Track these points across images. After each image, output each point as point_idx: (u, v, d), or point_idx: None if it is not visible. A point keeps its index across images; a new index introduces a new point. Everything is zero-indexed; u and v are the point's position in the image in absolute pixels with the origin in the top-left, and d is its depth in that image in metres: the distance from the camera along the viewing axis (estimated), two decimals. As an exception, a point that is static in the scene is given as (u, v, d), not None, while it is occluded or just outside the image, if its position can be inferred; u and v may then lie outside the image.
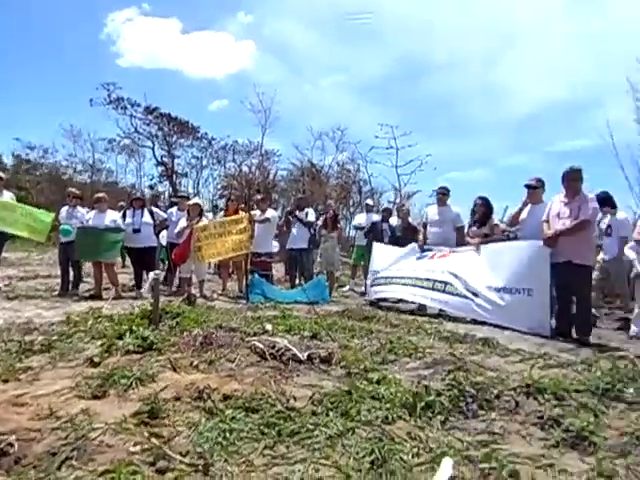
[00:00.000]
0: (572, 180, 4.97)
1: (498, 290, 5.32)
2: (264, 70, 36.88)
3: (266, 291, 6.98)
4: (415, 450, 2.03)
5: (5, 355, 3.29)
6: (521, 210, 5.67)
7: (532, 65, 24.98)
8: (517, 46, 25.75)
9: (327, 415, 2.33)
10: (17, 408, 2.38)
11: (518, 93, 27.73)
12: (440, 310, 6.07)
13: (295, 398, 2.52)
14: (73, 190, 7.82)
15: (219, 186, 27.94)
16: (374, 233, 8.39)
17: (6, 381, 2.77)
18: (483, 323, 5.30)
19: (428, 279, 6.10)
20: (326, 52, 34.41)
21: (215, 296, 7.41)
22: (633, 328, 5.52)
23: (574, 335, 4.87)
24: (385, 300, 7.24)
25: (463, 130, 30.09)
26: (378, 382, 2.83)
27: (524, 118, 26.72)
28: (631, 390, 2.77)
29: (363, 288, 8.67)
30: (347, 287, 9.67)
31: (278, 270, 10.24)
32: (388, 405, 2.46)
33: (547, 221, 5.08)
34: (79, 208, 7.44)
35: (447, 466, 1.85)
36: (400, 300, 6.93)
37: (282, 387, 2.69)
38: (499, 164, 28.64)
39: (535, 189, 5.51)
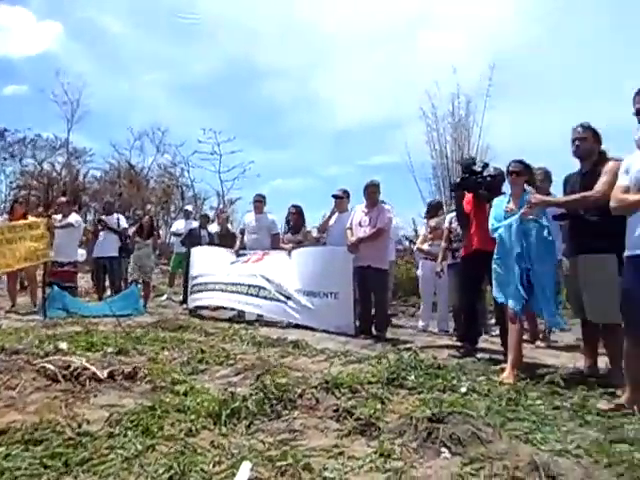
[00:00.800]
0: (371, 192, 5.55)
1: (307, 294, 5.64)
2: (73, 58, 33.22)
3: (68, 305, 6.27)
4: (217, 459, 2.02)
5: None
6: (329, 218, 6.13)
7: (349, 82, 27.23)
8: (337, 62, 27.86)
9: (125, 435, 2.18)
10: None
11: (336, 107, 30.10)
12: (258, 315, 6.20)
13: (89, 421, 2.30)
14: None
15: (14, 185, 24.17)
16: (191, 240, 8.19)
17: None
18: (297, 326, 5.58)
19: (242, 284, 6.17)
20: (148, 47, 32.51)
21: (2, 314, 6.39)
22: (420, 322, 6.39)
23: (374, 332, 5.43)
24: (206, 308, 7.13)
25: (286, 139, 31.33)
26: (185, 394, 2.77)
27: (342, 131, 29.12)
28: (412, 377, 3.20)
29: (182, 296, 8.40)
30: (165, 296, 9.26)
31: (87, 281, 9.33)
32: (193, 416, 2.41)
33: (350, 228, 5.59)
34: None
35: (245, 469, 1.89)
36: (219, 307, 6.90)
37: (74, 411, 2.44)
38: (319, 173, 30.58)
39: (341, 199, 6.01)
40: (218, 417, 2.43)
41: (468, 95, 13.62)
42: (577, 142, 3.42)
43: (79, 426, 2.23)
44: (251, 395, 2.72)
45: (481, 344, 4.81)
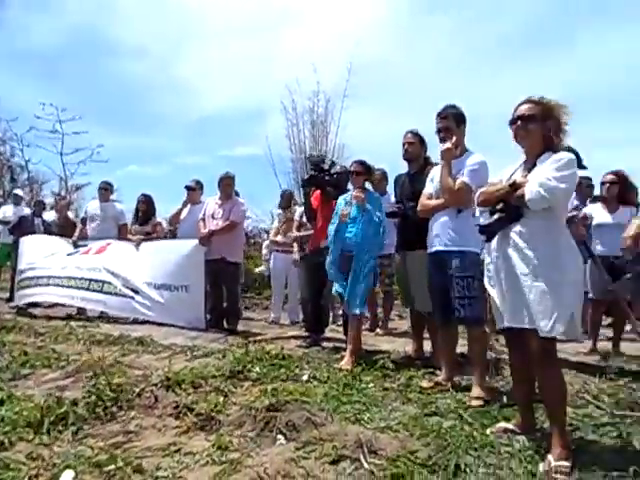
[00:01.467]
0: (226, 184, 5.49)
1: (158, 287, 5.41)
2: None
3: None
4: (34, 472, 1.86)
5: None
6: (181, 210, 5.93)
7: (209, 71, 26.32)
8: (202, 46, 26.59)
9: None
10: None
11: (196, 95, 28.85)
12: (102, 312, 5.76)
13: None
14: None
15: None
16: (23, 229, 7.26)
17: None
18: (145, 322, 5.31)
19: (83, 278, 5.67)
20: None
21: None
22: (272, 314, 6.51)
23: (225, 325, 5.40)
24: (39, 305, 6.39)
25: (142, 123, 29.20)
26: (1, 403, 2.47)
27: (204, 120, 27.96)
28: (257, 369, 3.26)
29: (8, 293, 7.41)
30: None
31: None
32: (8, 428, 2.17)
33: (203, 220, 5.47)
34: None
35: (66, 479, 1.76)
36: (56, 304, 6.24)
37: None
38: (178, 162, 28.97)
39: (193, 190, 5.85)
40: (40, 426, 2.22)
41: (327, 94, 14.17)
42: (406, 146, 3.81)
43: None
44: (83, 398, 2.54)
45: (328, 334, 5.07)
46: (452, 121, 3.17)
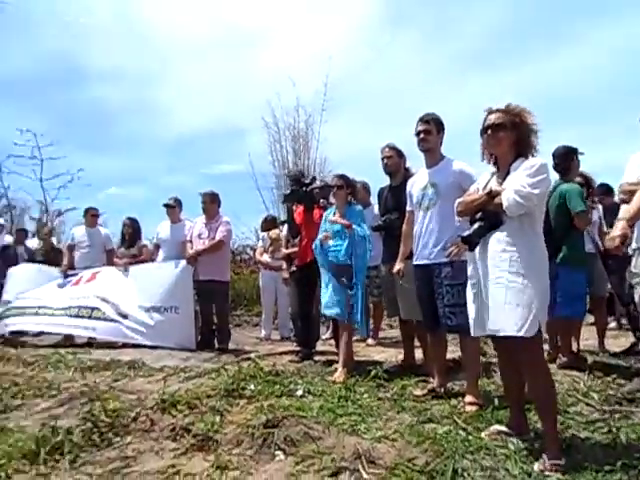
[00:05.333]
0: (208, 202, 5.50)
1: (147, 310, 5.38)
2: None
3: None
4: (33, 502, 1.85)
5: None
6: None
7: (186, 91, 26.42)
8: (173, 69, 26.79)
9: None
10: None
11: (173, 115, 28.85)
12: (90, 338, 5.69)
13: None
14: None
15: None
16: (5, 258, 7.18)
17: None
18: (135, 346, 5.26)
19: (71, 307, 5.62)
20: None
21: None
22: (262, 331, 6.52)
23: (216, 345, 5.39)
24: (23, 334, 6.29)
25: (121, 146, 28.99)
26: (-5, 435, 2.45)
27: (181, 139, 28.02)
28: (251, 386, 3.26)
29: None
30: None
31: None
32: (3, 461, 2.15)
33: (190, 241, 5.47)
34: None
35: (67, 508, 1.76)
36: (42, 333, 6.15)
37: None
38: (159, 182, 28.89)
39: (172, 208, 5.83)
40: (35, 457, 2.20)
41: (306, 108, 14.30)
42: (385, 160, 3.90)
43: None
44: (77, 426, 2.52)
45: (320, 347, 5.10)
46: (433, 126, 3.25)
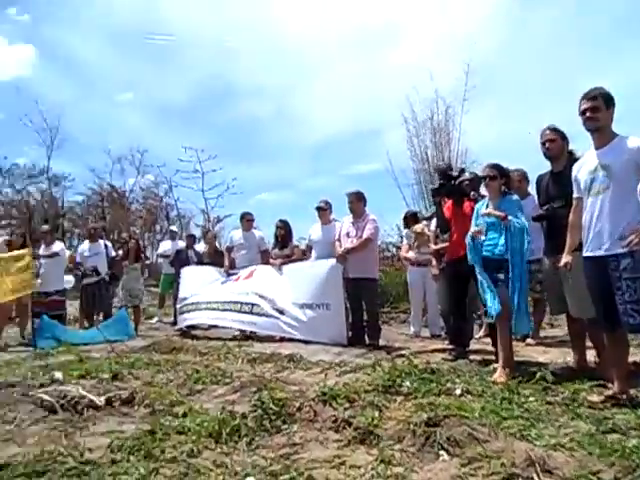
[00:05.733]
0: (354, 202, 5.63)
1: (301, 307, 5.69)
2: (47, 82, 32.73)
3: (58, 333, 6.20)
4: (220, 477, 2.05)
5: None
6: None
7: (321, 97, 27.62)
8: (308, 78, 28.30)
9: (128, 461, 2.19)
10: None
11: (312, 121, 30.40)
12: (251, 332, 6.21)
13: (90, 450, 2.31)
14: None
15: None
16: (180, 261, 8.18)
17: None
18: (291, 340, 5.60)
19: (235, 302, 6.19)
20: (122, 69, 32.57)
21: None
22: (411, 328, 6.45)
23: (367, 341, 5.47)
24: (196, 327, 7.10)
25: (267, 154, 31.49)
26: (184, 415, 2.78)
27: (320, 143, 29.59)
28: (407, 383, 3.24)
29: (172, 318, 8.36)
30: (155, 319, 9.20)
31: (76, 308, 9.23)
32: (194, 437, 2.43)
33: (339, 240, 5.65)
34: None
35: (250, 486, 1.92)
36: (212, 326, 6.89)
37: (75, 440, 2.45)
38: (302, 186, 30.78)
39: (324, 210, 6.07)
40: (219, 436, 2.45)
41: (445, 99, 13.83)
42: (547, 144, 3.56)
43: (81, 455, 2.24)
44: (250, 412, 2.74)
45: (473, 346, 4.88)
46: (601, 102, 2.89)
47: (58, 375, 3.58)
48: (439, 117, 14.01)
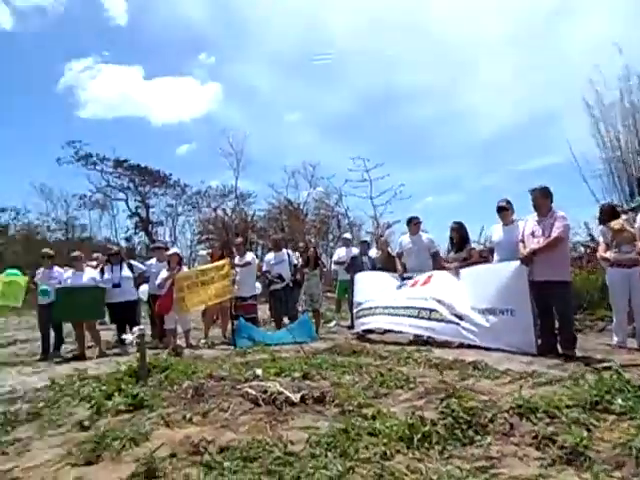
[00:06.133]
0: (539, 199, 5.15)
1: (482, 312, 5.40)
2: (231, 112, 37.38)
3: (253, 334, 6.91)
4: (415, 483, 2.04)
5: (-10, 429, 3.19)
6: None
7: (489, 90, 26.10)
8: (473, 74, 27.03)
9: (326, 456, 2.32)
10: (7, 484, 2.31)
11: (479, 117, 28.88)
12: (428, 337, 6.10)
13: (292, 442, 2.50)
14: (47, 251, 7.66)
15: (196, 231, 27.89)
16: (355, 267, 8.46)
17: (-6, 456, 2.68)
18: (470, 347, 5.36)
19: (412, 307, 6.15)
20: (288, 92, 35.50)
21: (201, 345, 7.30)
22: (614, 338, 5.64)
23: (560, 350, 4.95)
24: (372, 332, 7.25)
25: (432, 156, 31.00)
26: (373, 417, 2.84)
27: (488, 140, 27.89)
28: (619, 401, 2.84)
29: (349, 322, 8.68)
30: (333, 322, 9.65)
31: (264, 311, 10.19)
32: (385, 440, 2.47)
33: (522, 241, 5.23)
34: (56, 268, 7.34)
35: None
36: (387, 331, 6.96)
37: (278, 432, 2.68)
38: (470, 186, 29.52)
39: (506, 210, 5.69)
40: (410, 441, 2.45)
41: (640, 74, 11.88)
42: None
43: (285, 447, 2.44)
44: (439, 419, 2.68)
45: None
46: None
47: (259, 372, 3.97)
48: (631, 96, 12.10)
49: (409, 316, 6.16)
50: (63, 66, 46.49)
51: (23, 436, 3.01)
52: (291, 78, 35.75)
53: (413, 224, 7.15)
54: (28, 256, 20.92)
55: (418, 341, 6.19)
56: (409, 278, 6.74)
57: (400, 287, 6.74)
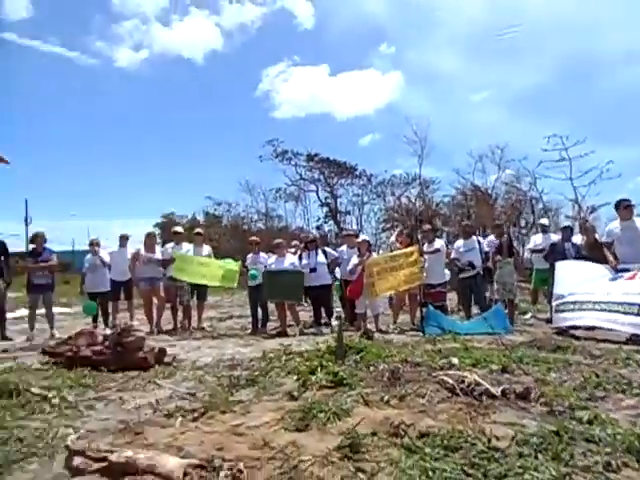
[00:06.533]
0: None
1: None
2: (413, 99, 37.08)
3: (443, 323, 6.78)
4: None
5: (219, 389, 3.75)
6: None
7: None
8: None
9: (536, 458, 2.16)
10: (236, 437, 2.67)
11: None
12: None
13: (497, 437, 2.38)
14: (254, 238, 8.75)
15: (381, 219, 28.55)
16: (555, 255, 7.66)
17: (224, 412, 3.14)
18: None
19: (631, 303, 5.31)
20: (472, 72, 33.65)
21: (390, 330, 7.45)
22: None
23: None
24: (576, 328, 6.49)
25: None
26: (590, 422, 2.55)
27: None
28: None
29: (548, 314, 7.91)
30: (529, 315, 8.91)
31: (451, 299, 9.94)
32: (608, 449, 2.19)
33: None
34: (261, 254, 8.27)
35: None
36: (594, 327, 6.15)
37: (480, 425, 2.58)
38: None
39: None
40: (638, 454, 2.12)
41: None
42: None
43: (489, 441, 2.33)
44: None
45: None
46: None
47: (455, 361, 3.88)
48: None
49: (626, 313, 5.34)
50: (261, 73, 51.90)
51: (244, 398, 3.46)
52: (474, 58, 33.87)
53: (623, 207, 6.21)
54: (235, 243, 24.19)
55: (637, 341, 5.34)
56: (626, 270, 5.83)
57: (614, 279, 5.88)
